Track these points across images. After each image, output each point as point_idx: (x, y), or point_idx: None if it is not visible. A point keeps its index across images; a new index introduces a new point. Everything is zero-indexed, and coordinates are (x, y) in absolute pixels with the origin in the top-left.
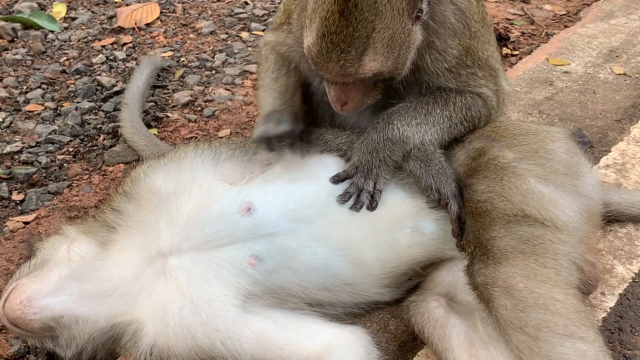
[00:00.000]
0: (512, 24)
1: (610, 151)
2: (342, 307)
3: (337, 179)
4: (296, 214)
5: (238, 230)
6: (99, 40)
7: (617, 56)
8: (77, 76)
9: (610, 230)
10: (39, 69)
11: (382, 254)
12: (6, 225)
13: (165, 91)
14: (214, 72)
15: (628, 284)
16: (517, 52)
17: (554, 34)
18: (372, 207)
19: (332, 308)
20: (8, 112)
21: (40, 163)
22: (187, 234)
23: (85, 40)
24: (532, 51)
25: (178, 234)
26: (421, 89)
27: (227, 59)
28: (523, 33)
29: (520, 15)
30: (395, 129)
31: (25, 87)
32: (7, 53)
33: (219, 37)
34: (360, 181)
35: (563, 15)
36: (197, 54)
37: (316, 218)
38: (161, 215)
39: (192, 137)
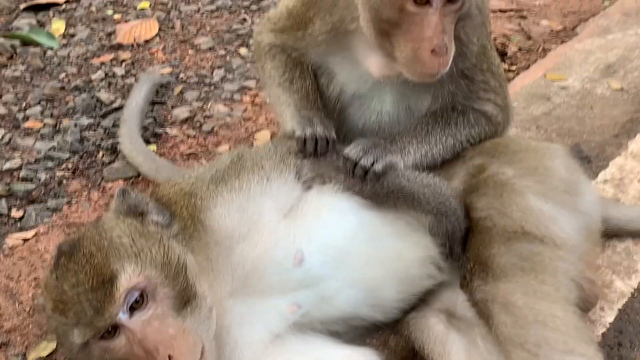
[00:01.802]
0: (509, 39)
1: (608, 166)
2: (352, 332)
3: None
4: (336, 258)
5: (290, 281)
6: (98, 56)
7: (614, 71)
8: (76, 92)
9: (609, 246)
10: (37, 86)
11: (400, 288)
12: (5, 242)
13: (164, 107)
14: (212, 88)
15: (627, 299)
16: (514, 68)
17: (551, 49)
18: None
19: (345, 335)
20: (7, 128)
21: (39, 180)
22: (247, 282)
23: (84, 56)
24: (529, 66)
25: (240, 280)
26: (434, 99)
27: (225, 75)
28: (520, 48)
29: (517, 31)
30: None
31: (24, 104)
32: (6, 70)
33: (217, 53)
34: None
35: (560, 30)
36: (195, 70)
37: (347, 257)
38: (230, 257)
39: (191, 153)
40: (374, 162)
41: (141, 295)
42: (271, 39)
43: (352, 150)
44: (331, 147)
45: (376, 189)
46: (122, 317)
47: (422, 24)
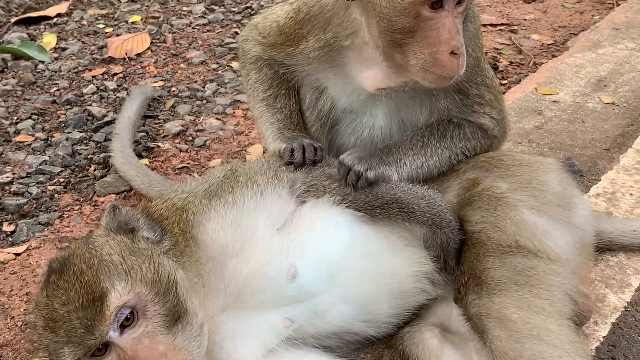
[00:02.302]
0: (501, 53)
1: (600, 180)
2: (346, 346)
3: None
4: (329, 273)
5: (283, 297)
6: (90, 70)
7: (605, 85)
8: (68, 106)
9: (602, 259)
10: (29, 100)
11: (393, 303)
12: None
13: (156, 121)
14: (204, 101)
15: (620, 313)
16: (505, 82)
17: (542, 63)
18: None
19: (339, 349)
20: None
21: (30, 194)
22: (240, 297)
23: (76, 70)
24: (520, 80)
25: (233, 296)
26: (430, 113)
27: (217, 89)
28: (511, 62)
29: (508, 45)
30: (394, 154)
31: (15, 118)
32: None
33: (209, 66)
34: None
35: (550, 44)
36: (187, 83)
37: (340, 272)
38: (223, 272)
39: (183, 167)
40: (367, 169)
41: (131, 312)
42: (259, 51)
43: (347, 157)
44: (319, 155)
45: (370, 200)
46: (113, 334)
47: (438, 28)
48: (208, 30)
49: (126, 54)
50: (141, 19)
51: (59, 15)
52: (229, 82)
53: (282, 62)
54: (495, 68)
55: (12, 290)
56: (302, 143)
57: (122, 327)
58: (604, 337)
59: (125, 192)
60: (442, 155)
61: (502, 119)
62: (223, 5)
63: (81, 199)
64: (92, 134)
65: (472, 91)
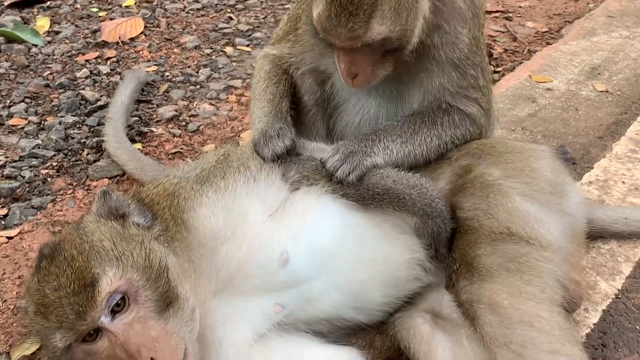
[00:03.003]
0: (495, 40)
1: (593, 168)
2: (337, 332)
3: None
4: (321, 260)
5: (274, 283)
6: (83, 54)
7: (599, 73)
8: (61, 90)
9: (593, 247)
10: (22, 83)
11: (385, 291)
12: None
13: (150, 106)
14: (198, 86)
15: (611, 300)
16: (500, 69)
17: (537, 50)
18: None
19: (330, 334)
20: None
21: (23, 177)
22: (231, 283)
23: (69, 54)
24: (514, 68)
25: (224, 281)
26: (424, 92)
27: (211, 74)
28: (506, 50)
29: (503, 32)
30: (381, 142)
31: (8, 101)
32: None
33: (203, 51)
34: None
35: (545, 32)
36: (181, 68)
37: (332, 259)
38: (214, 258)
39: (176, 152)
40: (349, 173)
41: (123, 298)
42: (268, 51)
43: (329, 160)
44: (287, 139)
45: (362, 192)
46: (104, 320)
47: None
48: (202, 15)
49: (120, 38)
50: (135, 3)
51: None
52: (222, 68)
53: (289, 53)
54: (489, 55)
55: (4, 273)
56: (275, 153)
57: (114, 312)
58: (594, 324)
59: (118, 177)
60: (431, 143)
61: (489, 109)
62: None
63: (74, 183)
64: (85, 118)
65: (469, 70)
